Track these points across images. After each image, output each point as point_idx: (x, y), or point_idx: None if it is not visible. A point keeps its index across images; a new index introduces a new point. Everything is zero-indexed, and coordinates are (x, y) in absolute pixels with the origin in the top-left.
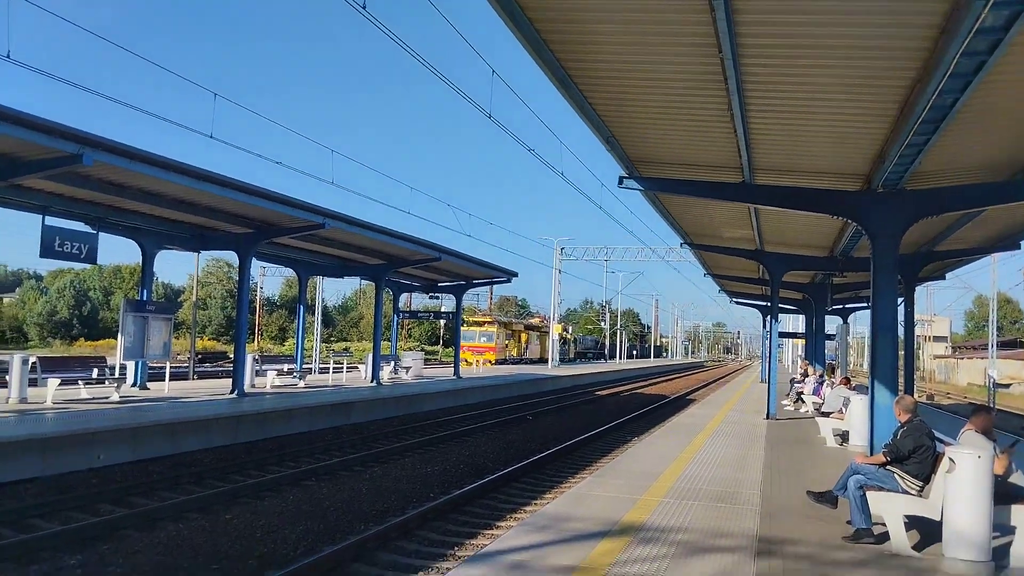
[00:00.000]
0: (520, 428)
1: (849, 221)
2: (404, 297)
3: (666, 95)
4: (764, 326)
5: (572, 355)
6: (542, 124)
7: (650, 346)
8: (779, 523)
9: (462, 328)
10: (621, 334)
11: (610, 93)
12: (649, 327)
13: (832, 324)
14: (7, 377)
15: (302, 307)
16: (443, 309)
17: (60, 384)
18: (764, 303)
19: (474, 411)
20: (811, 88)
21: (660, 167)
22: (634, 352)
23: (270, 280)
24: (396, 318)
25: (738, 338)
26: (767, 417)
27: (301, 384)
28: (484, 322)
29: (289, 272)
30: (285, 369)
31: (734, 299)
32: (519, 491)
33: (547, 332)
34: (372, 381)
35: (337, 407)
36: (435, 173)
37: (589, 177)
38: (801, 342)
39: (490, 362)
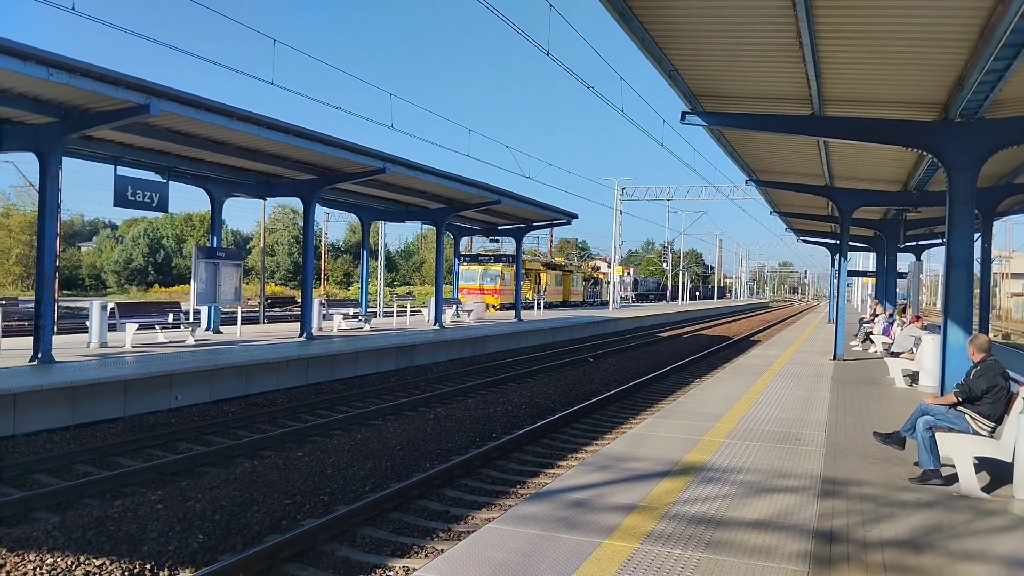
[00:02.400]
0: (581, 370)
1: (924, 153)
2: (465, 241)
3: (731, 24)
4: (832, 265)
5: (605, 297)
6: (602, 60)
7: (713, 287)
8: (844, 464)
9: (462, 267)
10: (683, 275)
11: (672, 24)
12: (712, 268)
13: (904, 262)
14: (88, 323)
15: (365, 252)
16: (503, 252)
17: (138, 329)
18: (833, 241)
19: (535, 353)
20: (885, 11)
21: (724, 101)
22: (697, 293)
23: (334, 226)
24: (457, 262)
25: (805, 277)
26: (834, 358)
27: (366, 327)
28: (488, 257)
29: (352, 218)
30: (350, 313)
31: (801, 237)
32: (580, 432)
33: (571, 271)
34: (435, 324)
35: (401, 350)
36: (493, 115)
37: (651, 114)
38: (871, 281)
39: (494, 307)
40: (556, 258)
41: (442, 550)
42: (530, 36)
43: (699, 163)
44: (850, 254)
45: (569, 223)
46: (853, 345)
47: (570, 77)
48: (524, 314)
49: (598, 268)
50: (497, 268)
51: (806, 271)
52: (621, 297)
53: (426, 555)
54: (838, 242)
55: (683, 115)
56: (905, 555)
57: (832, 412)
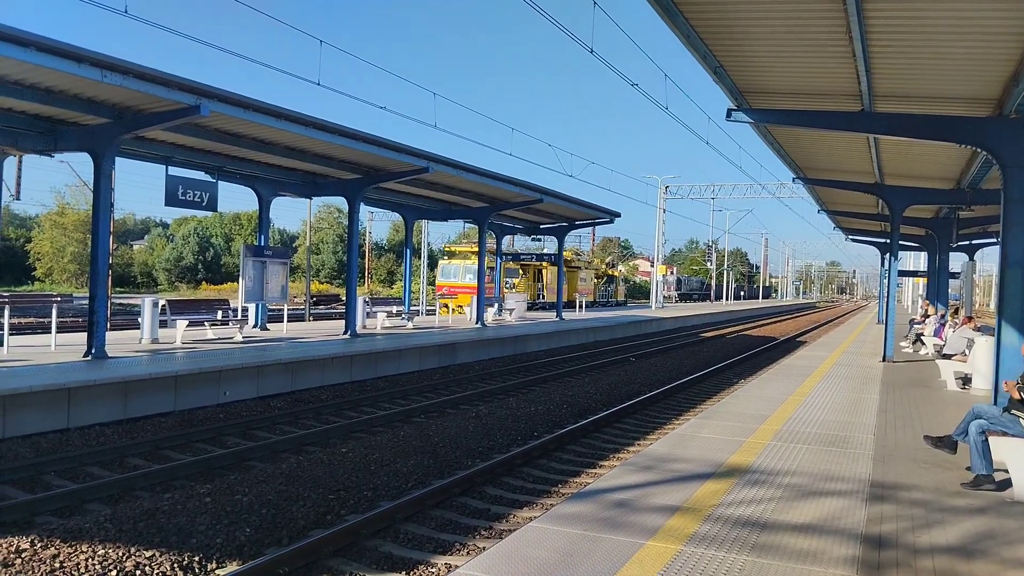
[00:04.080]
0: (623, 369)
1: (978, 150)
2: (507, 239)
3: (778, 19)
4: (882, 264)
5: (622, 296)
6: (646, 57)
7: (758, 286)
8: (893, 468)
9: (443, 262)
10: (728, 274)
11: (718, 19)
12: (757, 267)
13: (957, 261)
14: (140, 319)
15: (409, 250)
16: (545, 251)
17: (188, 326)
18: (883, 240)
19: (576, 352)
20: (937, 4)
21: (771, 97)
22: (741, 293)
23: (378, 225)
24: (499, 260)
25: (853, 277)
26: (883, 360)
27: (409, 325)
28: (472, 252)
29: (396, 216)
30: (394, 311)
31: (850, 236)
32: (622, 432)
33: (578, 268)
34: (477, 323)
35: (444, 348)
36: (536, 113)
37: (696, 111)
38: (922, 281)
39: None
40: (593, 257)
41: (484, 548)
42: (574, 34)
43: (745, 160)
44: (900, 253)
45: (612, 222)
46: (903, 347)
47: (614, 75)
48: (529, 315)
49: (613, 264)
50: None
51: (854, 271)
52: (664, 297)
53: (468, 552)
54: (888, 241)
55: (729, 112)
56: (956, 562)
57: (881, 415)
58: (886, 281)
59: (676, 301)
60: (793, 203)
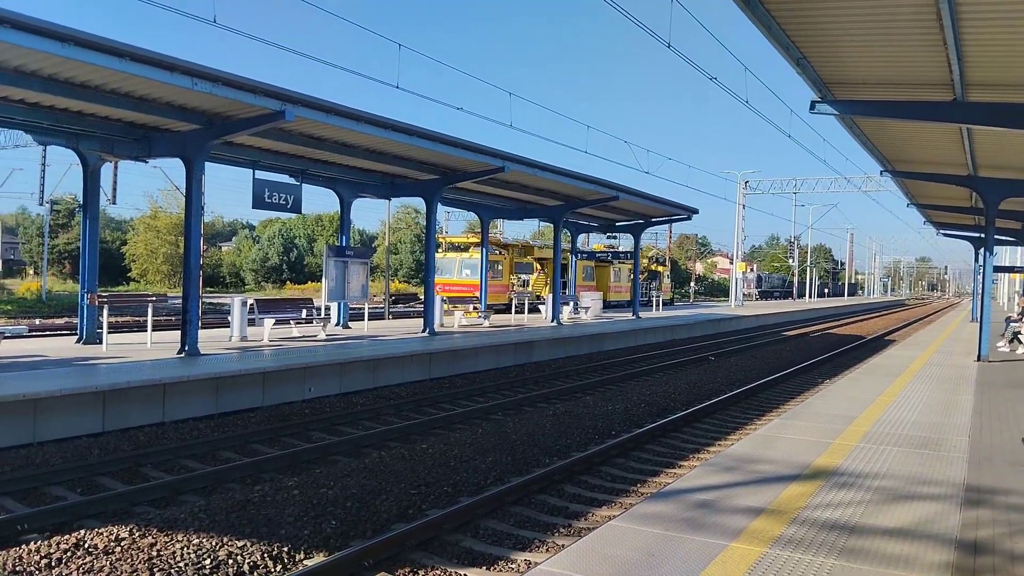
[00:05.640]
0: (702, 369)
1: None
2: (582, 237)
3: (863, 7)
4: (976, 259)
5: (669, 294)
6: (725, 50)
7: (843, 283)
8: (990, 471)
9: (438, 256)
10: (811, 271)
11: (800, 9)
12: (842, 263)
13: None
14: (229, 318)
15: (484, 250)
16: (621, 249)
17: (274, 324)
18: (977, 234)
19: (654, 351)
20: None
21: (857, 88)
22: (825, 290)
23: (454, 224)
24: (574, 258)
25: (945, 273)
26: (978, 359)
27: (486, 324)
28: (469, 244)
29: (472, 216)
30: (471, 309)
31: (941, 231)
32: (702, 431)
33: (609, 263)
34: (552, 321)
35: (520, 346)
36: (612, 110)
37: (777, 104)
38: (1019, 277)
39: (476, 310)
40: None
41: (563, 545)
42: (651, 29)
43: (829, 153)
44: (996, 248)
45: (689, 218)
46: (999, 346)
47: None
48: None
49: (659, 260)
50: (479, 256)
51: (946, 266)
52: (744, 294)
53: (547, 549)
54: (983, 235)
55: (812, 104)
56: None
57: (976, 416)
58: (980, 277)
59: (756, 299)
60: (881, 197)
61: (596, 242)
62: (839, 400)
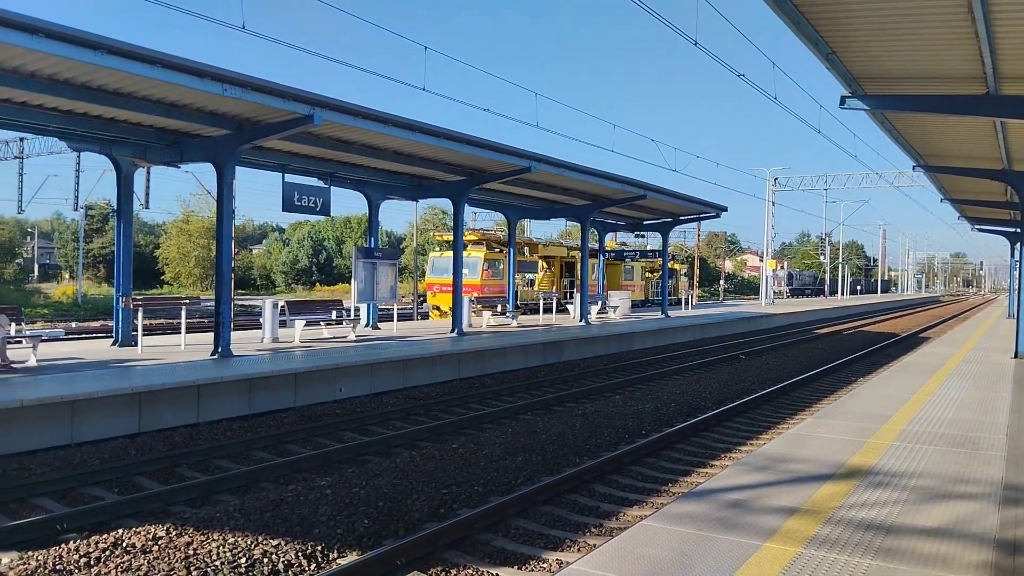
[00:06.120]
0: (732, 367)
1: None
2: (609, 236)
3: (892, 0)
4: (1012, 255)
5: (683, 293)
6: (753, 46)
7: (876, 280)
8: None
9: (433, 255)
10: (843, 268)
11: (828, 4)
12: (875, 260)
13: None
14: (261, 319)
15: (512, 250)
16: (648, 247)
17: (305, 325)
18: (1012, 229)
19: (684, 350)
20: None
21: (887, 83)
22: (858, 288)
23: (481, 224)
24: (602, 258)
25: (980, 269)
26: (1015, 356)
27: (514, 324)
28: (468, 243)
29: (499, 216)
30: (499, 309)
31: (976, 226)
32: (733, 431)
33: (619, 261)
34: (581, 320)
35: (548, 346)
36: (638, 108)
37: (806, 100)
38: None
39: (475, 311)
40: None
41: (595, 545)
42: (677, 26)
43: (860, 149)
44: None
45: (718, 216)
46: None
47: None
48: (544, 319)
49: (672, 257)
50: (479, 254)
51: (981, 262)
52: (774, 292)
53: (579, 549)
54: (1018, 230)
55: (842, 99)
56: None
57: (1015, 415)
58: (1017, 272)
59: (787, 297)
60: (913, 192)
61: (608, 240)
62: (873, 398)
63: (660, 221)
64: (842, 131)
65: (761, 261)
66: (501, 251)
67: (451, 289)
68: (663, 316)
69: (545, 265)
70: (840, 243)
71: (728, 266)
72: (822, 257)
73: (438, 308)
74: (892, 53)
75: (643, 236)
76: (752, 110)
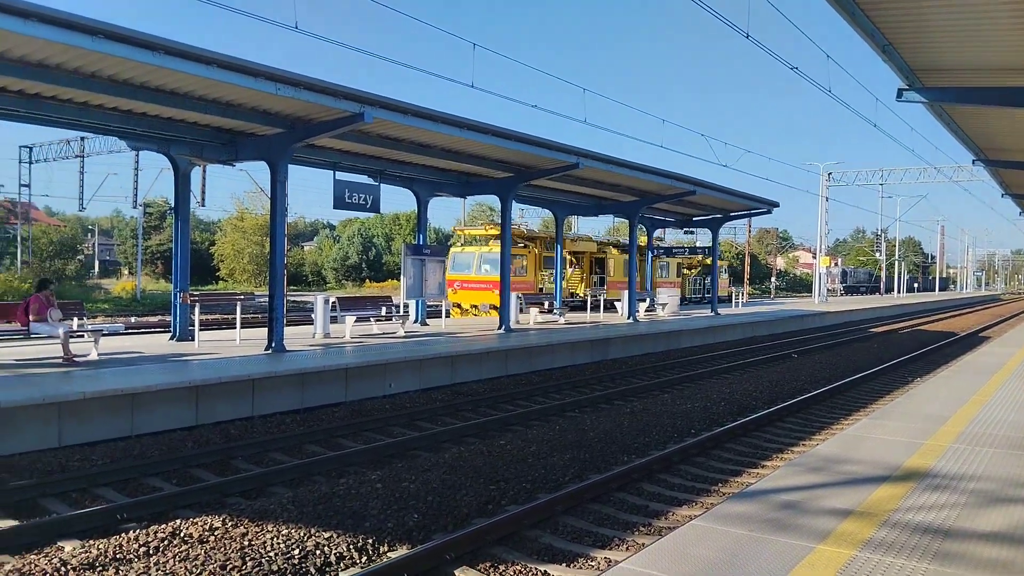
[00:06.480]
0: (784, 366)
1: None
2: (657, 232)
3: None
4: None
5: (726, 291)
6: (806, 38)
7: (934, 278)
8: None
9: (455, 251)
10: (899, 265)
11: None
12: (932, 257)
13: None
14: (312, 315)
15: (560, 246)
16: (698, 244)
17: (355, 321)
18: None
19: (734, 348)
20: None
21: (946, 75)
22: (915, 285)
23: (528, 221)
24: (650, 254)
25: None
26: None
27: (561, 321)
28: (489, 237)
29: (546, 212)
30: (546, 306)
31: None
32: (785, 431)
33: (655, 259)
34: (628, 318)
35: (596, 343)
36: (688, 103)
37: (862, 93)
38: None
39: (495, 308)
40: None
41: (644, 544)
42: (728, 19)
43: (917, 143)
44: None
45: (769, 212)
46: None
47: (771, 59)
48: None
49: (709, 253)
50: (500, 250)
51: None
52: (828, 290)
53: (627, 548)
54: None
55: (899, 92)
56: None
57: None
58: None
59: (841, 294)
60: (973, 187)
61: (641, 235)
62: (931, 399)
63: (710, 217)
64: (899, 124)
65: (814, 258)
66: (525, 247)
67: (471, 286)
68: (712, 314)
69: (574, 261)
70: (896, 239)
71: (780, 263)
72: (877, 254)
73: (459, 306)
74: (951, 45)
75: (692, 233)
76: (805, 104)
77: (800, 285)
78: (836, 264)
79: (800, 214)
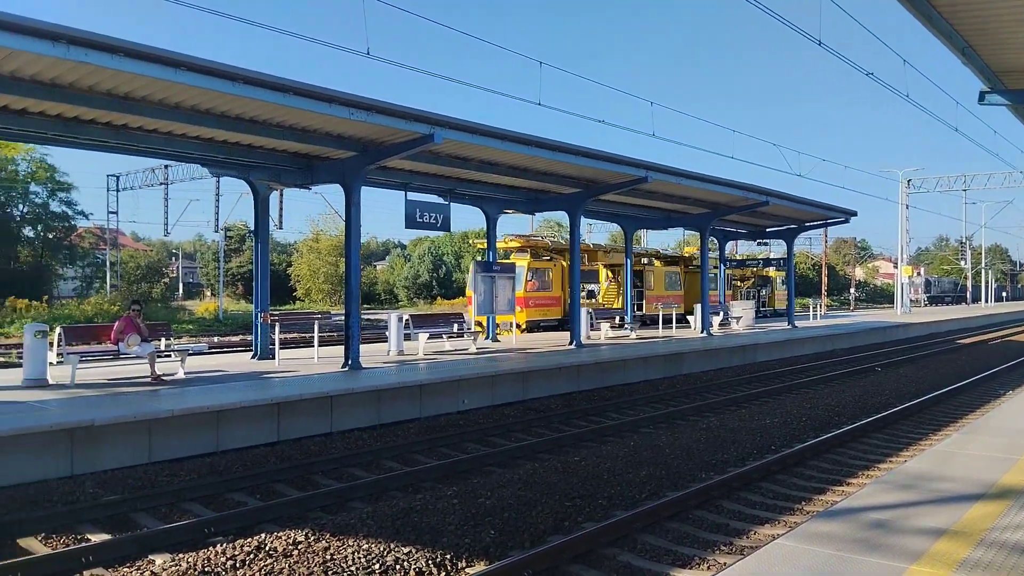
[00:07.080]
0: (867, 380)
1: None
2: (730, 245)
3: None
4: None
5: (782, 303)
6: (881, 43)
7: (1023, 286)
8: None
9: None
10: (986, 274)
11: None
12: (1022, 264)
13: None
14: (387, 333)
15: (629, 261)
16: (772, 255)
17: (428, 338)
18: None
19: (813, 362)
20: None
21: None
22: (1003, 294)
23: (597, 235)
24: (722, 267)
25: None
26: None
27: (632, 335)
28: (510, 251)
29: (614, 227)
30: (617, 321)
31: None
32: (870, 447)
33: (696, 267)
34: (702, 332)
35: (669, 358)
36: (759, 113)
37: (941, 97)
38: None
39: (520, 327)
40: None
41: (725, 563)
42: (800, 28)
43: (1001, 147)
44: None
45: (847, 221)
46: None
47: (845, 66)
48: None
49: (766, 263)
50: (522, 263)
51: None
52: (911, 300)
53: (708, 567)
54: None
55: (981, 95)
56: None
57: None
58: None
59: (924, 305)
60: None
61: (689, 247)
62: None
63: (784, 228)
64: (981, 128)
65: (895, 268)
66: (551, 259)
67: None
68: (789, 327)
69: (610, 275)
70: (982, 247)
71: (859, 273)
72: (962, 262)
73: (480, 324)
74: None
75: (766, 244)
76: (881, 110)
77: (881, 296)
78: (919, 274)
79: (879, 223)
